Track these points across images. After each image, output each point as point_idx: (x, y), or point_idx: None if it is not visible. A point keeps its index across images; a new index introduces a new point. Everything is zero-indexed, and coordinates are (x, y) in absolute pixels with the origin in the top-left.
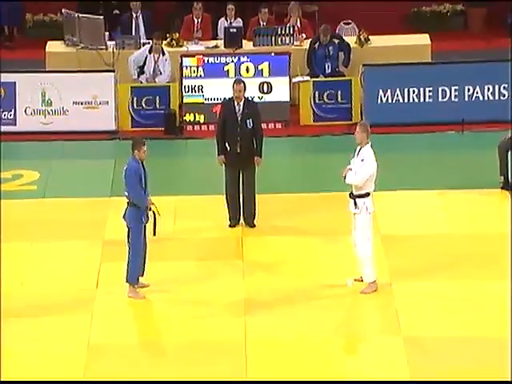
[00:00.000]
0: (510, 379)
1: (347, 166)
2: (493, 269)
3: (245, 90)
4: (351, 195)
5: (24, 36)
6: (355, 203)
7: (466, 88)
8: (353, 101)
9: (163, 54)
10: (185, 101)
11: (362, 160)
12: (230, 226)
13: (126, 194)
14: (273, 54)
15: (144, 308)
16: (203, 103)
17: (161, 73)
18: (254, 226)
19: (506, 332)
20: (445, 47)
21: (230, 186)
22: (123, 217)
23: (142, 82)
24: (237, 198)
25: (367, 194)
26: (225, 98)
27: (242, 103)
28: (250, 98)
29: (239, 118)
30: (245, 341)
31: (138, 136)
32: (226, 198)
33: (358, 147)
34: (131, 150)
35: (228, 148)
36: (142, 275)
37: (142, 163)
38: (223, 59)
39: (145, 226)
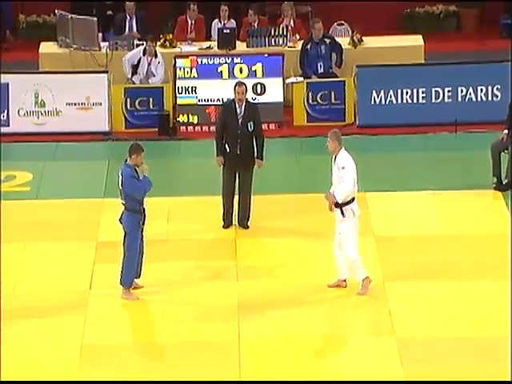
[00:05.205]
0: (509, 379)
1: (326, 193)
2: (487, 269)
3: (246, 92)
4: (337, 205)
5: (17, 37)
6: (342, 212)
7: (459, 89)
8: (346, 102)
9: (156, 56)
10: (178, 102)
11: (343, 167)
12: (223, 226)
13: (123, 201)
14: (266, 55)
15: (137, 309)
16: (196, 104)
17: (154, 75)
18: (248, 227)
19: (502, 332)
20: (438, 48)
21: (226, 187)
22: (119, 220)
23: (134, 83)
24: (231, 200)
25: (352, 200)
26: (228, 99)
27: (243, 105)
28: (250, 101)
29: (240, 121)
30: (238, 342)
31: (136, 142)
32: (222, 200)
33: (333, 155)
34: (128, 153)
35: (228, 149)
36: (139, 277)
37: (135, 168)
38: (217, 60)
39: (142, 230)
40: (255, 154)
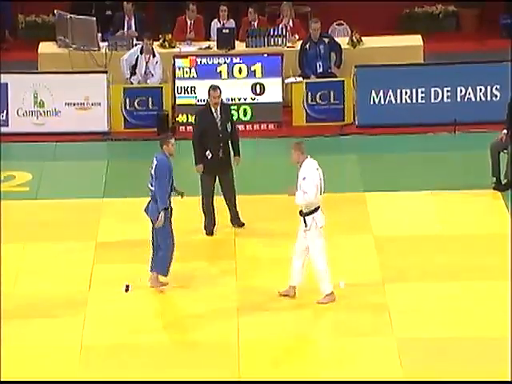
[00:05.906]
0: (509, 379)
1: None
2: (487, 269)
3: (220, 94)
4: (301, 213)
5: (16, 37)
6: (305, 221)
7: (459, 89)
8: (345, 102)
9: (154, 55)
10: (177, 102)
11: (304, 178)
12: (206, 234)
13: (151, 187)
14: (265, 55)
15: (137, 309)
16: (196, 104)
17: (152, 75)
18: (243, 224)
19: (502, 332)
20: (437, 48)
21: (207, 195)
22: (145, 210)
23: (132, 83)
24: (212, 206)
25: (316, 209)
26: (204, 106)
27: (218, 108)
28: (223, 102)
29: (219, 124)
30: (238, 341)
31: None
32: (203, 206)
33: (299, 166)
34: (160, 146)
35: (210, 155)
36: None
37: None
38: (216, 60)
39: (170, 221)
40: (231, 154)
